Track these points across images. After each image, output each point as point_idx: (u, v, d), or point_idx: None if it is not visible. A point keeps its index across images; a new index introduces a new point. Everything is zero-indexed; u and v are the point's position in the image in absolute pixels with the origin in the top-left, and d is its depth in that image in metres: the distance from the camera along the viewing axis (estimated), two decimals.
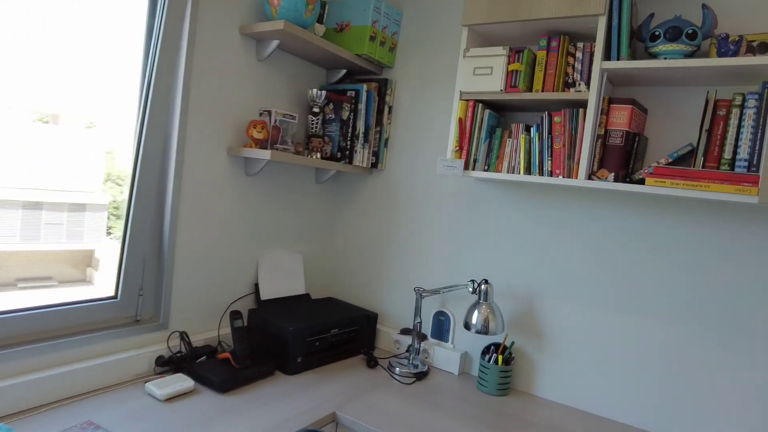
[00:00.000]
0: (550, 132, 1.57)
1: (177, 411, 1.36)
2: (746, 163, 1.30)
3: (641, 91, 1.61)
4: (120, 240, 1.60)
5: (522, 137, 1.63)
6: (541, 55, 1.59)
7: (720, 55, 1.38)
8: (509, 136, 1.67)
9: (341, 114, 2.01)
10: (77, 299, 1.51)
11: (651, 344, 1.59)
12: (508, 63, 1.62)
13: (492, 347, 1.80)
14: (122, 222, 1.61)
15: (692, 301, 1.53)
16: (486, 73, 1.64)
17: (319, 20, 1.94)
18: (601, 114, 1.48)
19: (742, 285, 1.46)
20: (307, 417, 1.42)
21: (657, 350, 1.58)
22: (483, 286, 1.74)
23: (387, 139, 2.13)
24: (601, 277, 1.67)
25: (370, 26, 1.95)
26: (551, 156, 1.56)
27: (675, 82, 1.52)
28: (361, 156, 2.04)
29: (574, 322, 1.71)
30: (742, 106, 1.32)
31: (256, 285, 1.96)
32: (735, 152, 1.33)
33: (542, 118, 1.58)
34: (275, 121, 1.80)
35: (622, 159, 1.47)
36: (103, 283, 1.63)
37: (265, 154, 1.71)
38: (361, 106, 2.01)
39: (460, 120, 1.69)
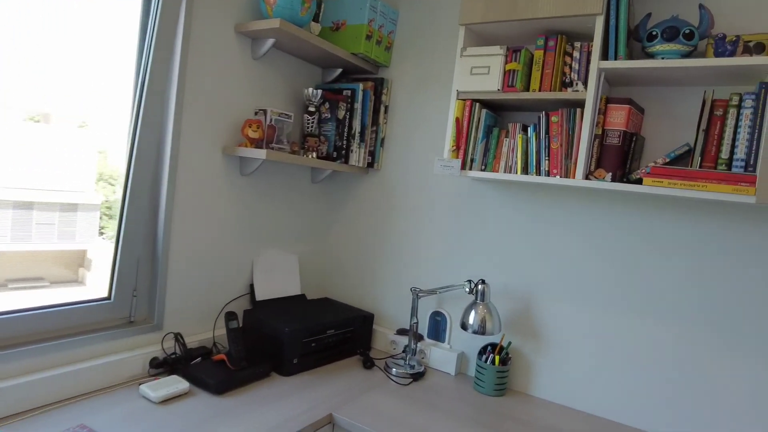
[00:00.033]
0: (547, 132, 1.56)
1: (172, 413, 1.35)
2: (743, 163, 1.31)
3: (638, 91, 1.61)
4: (113, 240, 1.58)
5: (519, 137, 1.62)
6: (538, 54, 1.59)
7: (717, 55, 1.38)
8: (506, 136, 1.67)
9: (337, 113, 2.00)
10: (70, 300, 1.49)
11: (648, 344, 1.59)
12: (506, 62, 1.62)
13: (489, 347, 1.80)
14: (115, 222, 1.59)
15: (689, 300, 1.53)
16: (483, 73, 1.64)
17: (315, 19, 1.93)
18: (599, 114, 1.48)
19: (740, 284, 1.47)
20: (303, 419, 1.41)
21: (654, 350, 1.58)
22: (480, 287, 1.74)
23: (383, 139, 2.12)
24: (598, 277, 1.67)
25: (366, 25, 1.94)
26: (548, 156, 1.56)
27: (672, 82, 1.52)
28: (357, 156, 2.03)
29: (572, 322, 1.71)
30: (739, 106, 1.32)
31: (251, 285, 1.95)
32: (732, 152, 1.33)
33: (539, 117, 1.58)
34: (271, 120, 1.79)
35: (620, 159, 1.47)
36: (96, 284, 1.61)
37: (261, 154, 1.69)
38: (357, 106, 2.00)
39: (457, 119, 1.68)
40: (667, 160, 1.47)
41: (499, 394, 1.73)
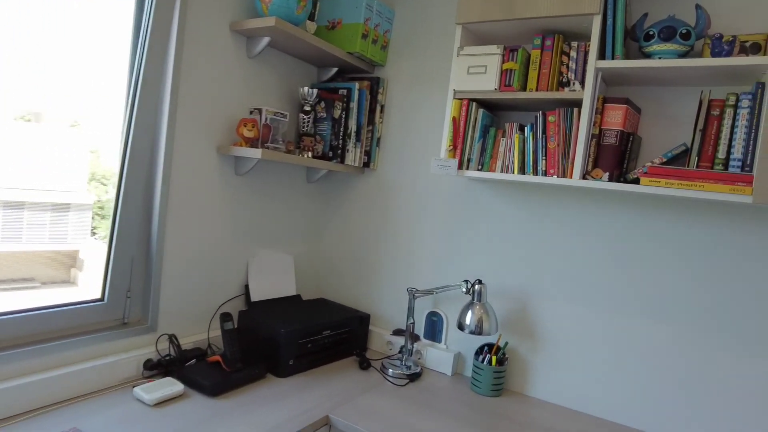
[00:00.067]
0: (544, 131, 1.56)
1: (166, 416, 1.33)
2: (740, 163, 1.31)
3: (634, 91, 1.61)
4: (106, 240, 1.56)
5: (516, 136, 1.62)
6: (535, 54, 1.58)
7: (714, 55, 1.39)
8: (503, 136, 1.67)
9: (333, 113, 1.99)
10: (62, 302, 1.47)
11: (645, 344, 1.59)
12: (503, 62, 1.61)
13: (485, 348, 1.79)
14: (107, 222, 1.57)
15: (686, 300, 1.53)
16: (480, 72, 1.63)
17: (311, 17, 1.91)
18: (596, 113, 1.48)
19: (738, 284, 1.47)
20: (299, 420, 1.39)
21: (651, 350, 1.58)
22: (477, 287, 1.73)
23: (379, 139, 2.11)
24: (595, 276, 1.67)
25: (362, 24, 1.93)
26: (545, 155, 1.56)
27: (669, 82, 1.52)
28: (353, 155, 2.02)
29: (568, 322, 1.71)
30: (735, 106, 1.32)
31: (247, 286, 1.93)
32: (729, 152, 1.33)
33: (536, 117, 1.58)
34: (266, 119, 1.77)
35: (617, 159, 1.47)
36: (88, 284, 1.59)
37: (256, 153, 1.68)
38: (353, 105, 1.99)
39: (454, 119, 1.67)
40: (664, 159, 1.47)
41: (495, 395, 1.73)
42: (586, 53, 1.50)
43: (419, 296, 1.89)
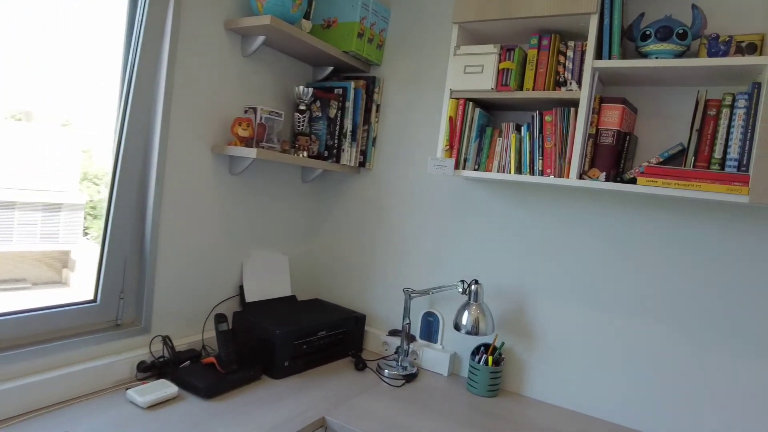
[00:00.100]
0: (540, 131, 1.56)
1: (160, 419, 1.31)
2: (736, 163, 1.31)
3: (630, 91, 1.61)
4: (98, 241, 1.54)
5: (512, 136, 1.61)
6: (532, 53, 1.58)
7: (710, 55, 1.39)
8: (500, 135, 1.66)
9: (328, 112, 1.97)
10: (54, 303, 1.45)
11: (641, 343, 1.59)
12: (499, 61, 1.61)
13: (482, 348, 1.79)
14: (99, 222, 1.55)
15: (683, 300, 1.54)
16: (477, 72, 1.62)
17: (306, 16, 1.90)
18: (593, 113, 1.48)
19: (735, 284, 1.47)
20: (295, 422, 1.38)
21: (647, 349, 1.58)
22: (473, 287, 1.73)
23: (375, 138, 2.10)
24: (591, 276, 1.67)
25: (358, 23, 1.92)
26: (542, 155, 1.56)
27: (665, 82, 1.52)
28: (349, 155, 2.01)
29: (565, 321, 1.71)
30: (732, 106, 1.33)
31: (241, 287, 1.91)
32: (725, 152, 1.34)
33: (533, 117, 1.57)
34: (261, 118, 1.76)
35: (613, 158, 1.47)
36: (80, 285, 1.57)
37: (251, 153, 1.66)
38: (349, 104, 1.98)
39: (450, 118, 1.67)
40: (661, 159, 1.47)
41: (492, 395, 1.72)
42: (583, 53, 1.49)
43: (415, 296, 1.88)
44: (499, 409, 1.63)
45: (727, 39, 1.38)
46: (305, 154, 1.91)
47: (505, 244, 1.83)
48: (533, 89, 1.57)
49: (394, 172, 2.07)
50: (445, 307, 1.95)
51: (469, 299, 1.73)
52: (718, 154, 1.35)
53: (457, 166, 1.68)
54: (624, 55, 1.54)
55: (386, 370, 1.80)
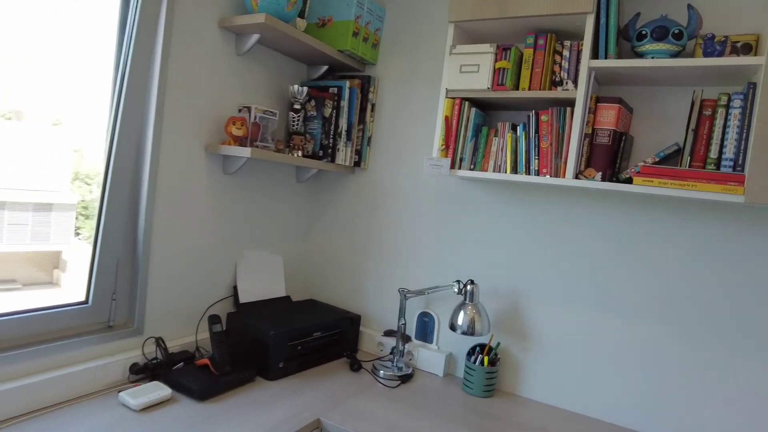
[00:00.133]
0: (537, 131, 1.55)
1: (153, 421, 1.30)
2: (731, 163, 1.31)
3: (626, 91, 1.61)
4: (90, 241, 1.52)
5: (508, 136, 1.61)
6: (528, 53, 1.58)
7: (706, 55, 1.39)
8: (495, 135, 1.66)
9: (323, 111, 1.96)
10: (45, 304, 1.43)
11: (637, 343, 1.59)
12: (495, 61, 1.60)
13: (477, 348, 1.78)
14: (91, 222, 1.53)
15: (679, 300, 1.54)
16: (473, 71, 1.62)
17: (301, 14, 1.89)
18: (589, 113, 1.47)
19: (730, 284, 1.47)
20: (290, 424, 1.37)
21: (643, 349, 1.58)
22: (469, 287, 1.72)
23: (370, 138, 2.09)
24: (588, 276, 1.67)
25: (353, 22, 1.91)
26: (538, 155, 1.55)
27: (661, 82, 1.52)
28: (344, 154, 2.00)
29: (561, 322, 1.71)
30: (727, 106, 1.33)
31: (235, 287, 1.90)
32: (721, 152, 1.34)
33: (529, 116, 1.57)
34: (255, 117, 1.74)
35: (609, 158, 1.47)
36: (72, 286, 1.55)
37: (245, 152, 1.65)
38: (344, 104, 1.97)
39: (446, 118, 1.66)
40: (657, 159, 1.47)
41: (487, 395, 1.72)
42: (579, 52, 1.49)
43: (411, 297, 1.88)
44: (495, 409, 1.62)
45: (722, 39, 1.38)
46: (300, 153, 1.90)
47: (500, 244, 1.82)
48: (529, 89, 1.57)
49: (389, 172, 2.06)
50: (441, 307, 1.94)
51: (465, 299, 1.72)
52: (713, 154, 1.35)
53: (452, 166, 1.67)
54: (620, 55, 1.54)
55: (381, 371, 1.79)
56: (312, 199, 2.24)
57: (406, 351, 1.93)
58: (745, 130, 1.30)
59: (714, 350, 1.49)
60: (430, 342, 1.95)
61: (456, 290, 1.75)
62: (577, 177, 1.48)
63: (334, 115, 1.95)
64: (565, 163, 1.49)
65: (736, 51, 1.38)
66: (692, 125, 1.37)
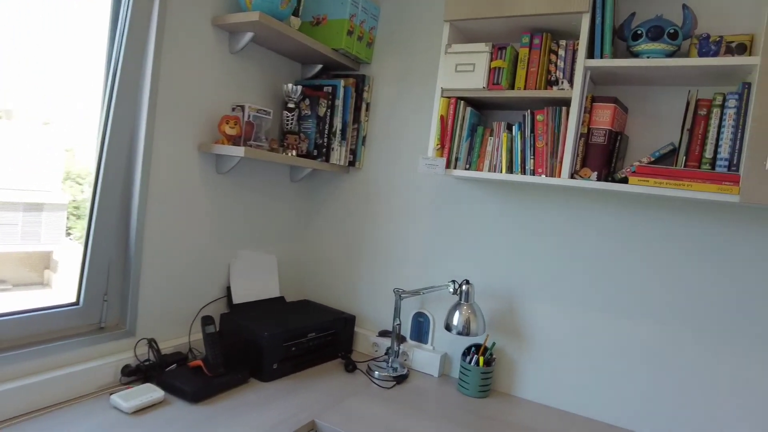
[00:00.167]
0: (532, 130, 1.55)
1: (145, 424, 1.28)
2: (727, 163, 1.31)
3: (621, 90, 1.61)
4: (81, 241, 1.51)
5: (504, 135, 1.60)
6: (523, 52, 1.57)
7: (701, 55, 1.39)
8: (491, 135, 1.65)
9: (318, 110, 1.95)
10: (35, 305, 1.41)
11: (633, 343, 1.59)
12: (491, 60, 1.59)
13: (473, 348, 1.78)
14: (83, 222, 1.51)
15: (674, 300, 1.54)
16: (468, 70, 1.61)
17: (295, 13, 1.88)
18: (584, 112, 1.47)
19: (726, 284, 1.48)
20: (284, 426, 1.36)
21: (639, 349, 1.58)
22: (464, 287, 1.71)
23: (365, 137, 2.08)
24: (583, 276, 1.67)
25: (348, 20, 1.89)
26: (534, 155, 1.55)
27: (656, 82, 1.52)
28: (338, 154, 1.99)
29: (556, 322, 1.71)
30: (722, 106, 1.33)
31: (228, 288, 1.88)
32: (716, 151, 1.34)
33: (524, 116, 1.56)
34: (249, 116, 1.73)
35: (605, 158, 1.46)
36: (63, 286, 1.53)
37: (238, 151, 1.64)
38: (339, 103, 1.95)
39: (441, 117, 1.65)
40: (652, 159, 1.47)
41: (483, 396, 1.71)
42: (575, 52, 1.49)
43: (406, 297, 1.87)
44: (491, 409, 1.62)
45: (717, 39, 1.38)
46: (294, 152, 1.88)
47: (496, 244, 1.82)
48: (525, 88, 1.56)
49: (384, 172, 2.05)
50: (436, 307, 1.93)
51: (460, 299, 1.72)
52: (708, 153, 1.35)
53: (448, 166, 1.66)
54: (615, 55, 1.53)
55: (376, 372, 1.78)
56: (306, 199, 2.23)
57: (401, 351, 1.93)
58: (740, 130, 1.30)
59: (710, 350, 1.49)
60: (425, 342, 1.94)
61: (451, 290, 1.75)
62: (572, 177, 1.47)
63: (328, 114, 1.94)
64: (561, 162, 1.48)
65: (730, 51, 1.38)
66: (687, 125, 1.37)
